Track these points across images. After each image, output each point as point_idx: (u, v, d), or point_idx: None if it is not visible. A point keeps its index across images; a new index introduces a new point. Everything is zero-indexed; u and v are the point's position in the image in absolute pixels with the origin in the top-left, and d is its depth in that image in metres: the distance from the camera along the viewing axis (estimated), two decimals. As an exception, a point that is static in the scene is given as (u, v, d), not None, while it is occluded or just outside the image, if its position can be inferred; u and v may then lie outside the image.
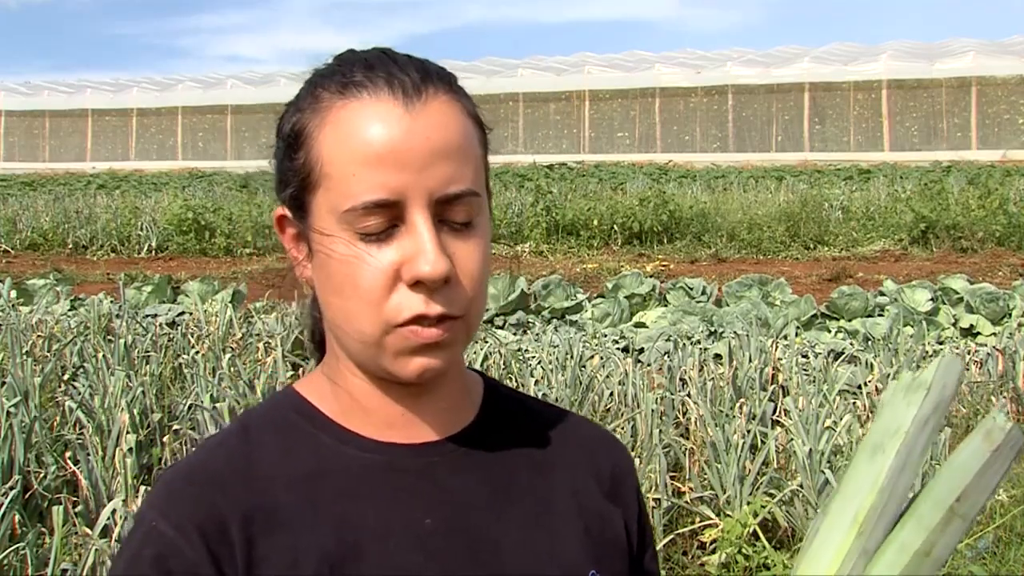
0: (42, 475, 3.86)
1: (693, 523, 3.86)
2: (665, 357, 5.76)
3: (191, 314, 7.01)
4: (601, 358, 5.57)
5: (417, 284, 0.81)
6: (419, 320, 0.81)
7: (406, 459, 0.88)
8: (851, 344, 6.78)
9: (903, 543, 0.68)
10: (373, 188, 0.80)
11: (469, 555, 0.86)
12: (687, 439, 4.44)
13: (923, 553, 0.68)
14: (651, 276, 10.42)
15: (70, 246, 15.45)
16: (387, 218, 0.81)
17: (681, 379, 5.12)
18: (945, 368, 0.72)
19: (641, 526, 0.99)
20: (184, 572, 0.80)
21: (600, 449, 1.00)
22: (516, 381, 4.98)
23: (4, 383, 4.56)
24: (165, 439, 4.13)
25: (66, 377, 5.17)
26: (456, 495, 0.89)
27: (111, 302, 7.69)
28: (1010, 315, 8.18)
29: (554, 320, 8.57)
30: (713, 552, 3.64)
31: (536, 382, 4.89)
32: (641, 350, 6.55)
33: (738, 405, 4.46)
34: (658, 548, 3.48)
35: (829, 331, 7.91)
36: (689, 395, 4.76)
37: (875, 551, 0.69)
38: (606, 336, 7.38)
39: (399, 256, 0.81)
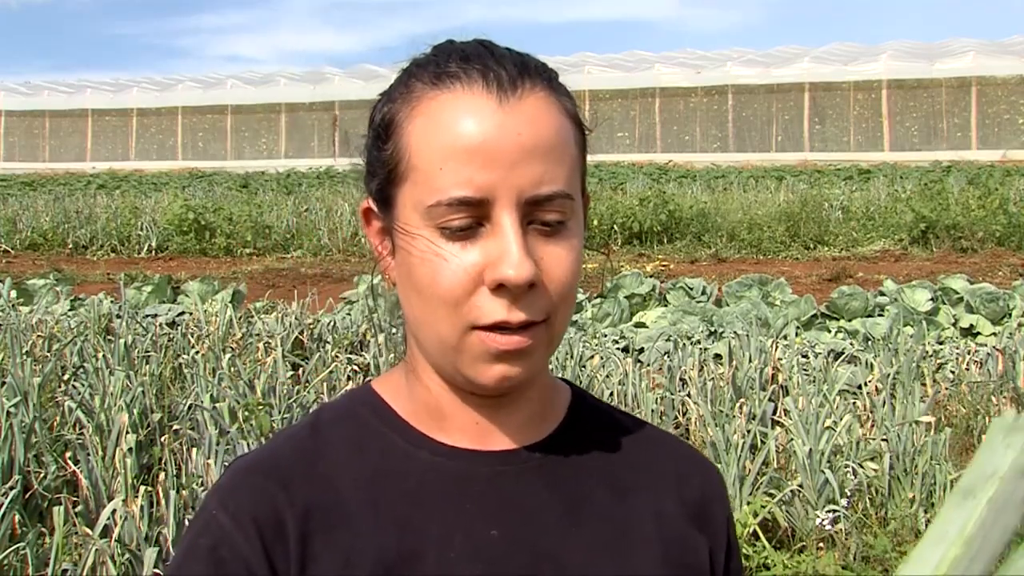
0: (42, 475, 3.86)
1: (693, 523, 3.86)
2: (665, 357, 5.76)
3: (191, 314, 7.02)
4: (601, 358, 5.57)
5: (500, 288, 0.77)
6: (500, 326, 0.78)
7: (477, 466, 0.85)
8: (851, 344, 6.78)
9: None
10: (459, 184, 0.77)
11: (533, 570, 0.83)
12: (687, 439, 4.44)
13: None
14: (651, 276, 10.42)
15: (70, 246, 15.45)
16: (473, 216, 0.77)
17: (681, 379, 5.12)
18: None
19: (728, 558, 0.94)
20: (235, 563, 0.79)
21: (689, 472, 0.94)
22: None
23: (4, 383, 4.56)
24: (165, 439, 4.13)
25: (66, 377, 5.17)
26: (525, 508, 0.85)
27: (111, 302, 7.69)
28: (1010, 315, 8.18)
29: (554, 320, 8.55)
30: (713, 552, 3.63)
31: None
32: (641, 350, 6.55)
33: (738, 405, 4.46)
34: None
35: (829, 331, 7.91)
36: (689, 395, 4.76)
37: None
38: (606, 336, 7.38)
39: (483, 257, 0.77)
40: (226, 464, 3.46)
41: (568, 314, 0.83)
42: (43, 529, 3.49)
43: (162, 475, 3.59)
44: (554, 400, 0.92)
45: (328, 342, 6.17)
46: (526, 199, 0.78)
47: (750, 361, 5.25)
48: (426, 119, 0.80)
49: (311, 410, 0.93)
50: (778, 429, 4.42)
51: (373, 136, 0.85)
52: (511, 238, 0.77)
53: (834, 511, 3.70)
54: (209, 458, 3.63)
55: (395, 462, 0.85)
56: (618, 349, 6.62)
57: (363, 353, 5.91)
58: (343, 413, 0.90)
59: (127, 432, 3.88)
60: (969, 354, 6.13)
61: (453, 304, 0.78)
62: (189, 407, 4.48)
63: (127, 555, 2.98)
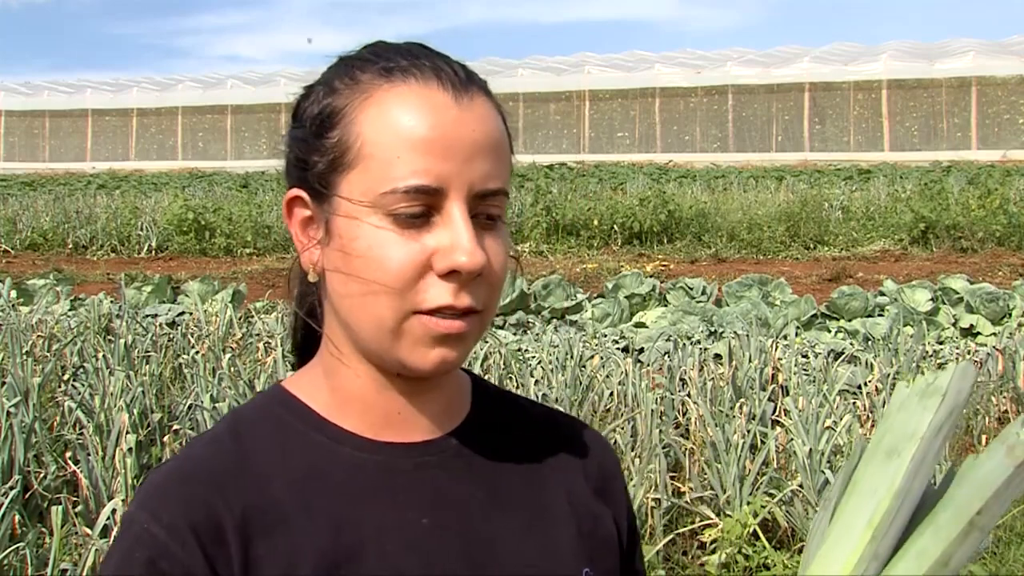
0: (42, 475, 3.86)
1: (693, 523, 3.86)
2: (665, 357, 5.76)
3: (191, 314, 7.01)
4: (601, 358, 5.57)
5: (450, 275, 0.80)
6: (444, 310, 0.81)
7: (401, 459, 0.87)
8: (851, 344, 6.78)
9: (921, 551, 0.68)
10: (417, 173, 0.80)
11: (465, 555, 0.86)
12: (687, 439, 4.44)
13: (941, 563, 0.68)
14: (651, 276, 10.42)
15: (70, 246, 15.45)
16: (424, 205, 0.80)
17: (681, 379, 5.12)
18: (960, 375, 0.72)
19: (630, 524, 1.00)
20: (177, 574, 0.78)
21: (589, 447, 0.99)
22: (516, 381, 4.98)
23: (4, 383, 4.56)
24: (165, 439, 4.13)
25: (66, 377, 5.17)
26: (451, 495, 0.88)
27: (111, 302, 7.69)
28: (1010, 315, 8.18)
29: (554, 320, 8.56)
30: (713, 552, 3.64)
31: (536, 382, 4.89)
32: (641, 350, 6.55)
33: (738, 405, 4.46)
34: (658, 548, 3.49)
35: (829, 331, 7.91)
36: (689, 395, 4.76)
37: (887, 556, 0.69)
38: (606, 336, 7.38)
39: (433, 245, 0.80)
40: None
41: (496, 306, 0.87)
42: (43, 529, 3.49)
43: (162, 475, 3.58)
44: (461, 388, 0.95)
45: (328, 342, 6.16)
46: (475, 192, 0.82)
47: (750, 361, 5.25)
48: (380, 109, 0.82)
49: (224, 415, 0.91)
50: (778, 429, 4.42)
51: (315, 125, 0.86)
52: (463, 227, 0.80)
53: (834, 511, 3.69)
54: (209, 458, 3.63)
55: (320, 461, 0.86)
56: (618, 349, 6.62)
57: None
58: (261, 415, 0.89)
59: (127, 432, 3.88)
60: (969, 354, 6.13)
61: (399, 288, 0.80)
62: (189, 407, 4.48)
63: (127, 555, 2.97)
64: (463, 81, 0.84)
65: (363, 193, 0.81)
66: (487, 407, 0.96)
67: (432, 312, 0.81)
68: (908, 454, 0.69)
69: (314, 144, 0.85)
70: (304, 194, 0.87)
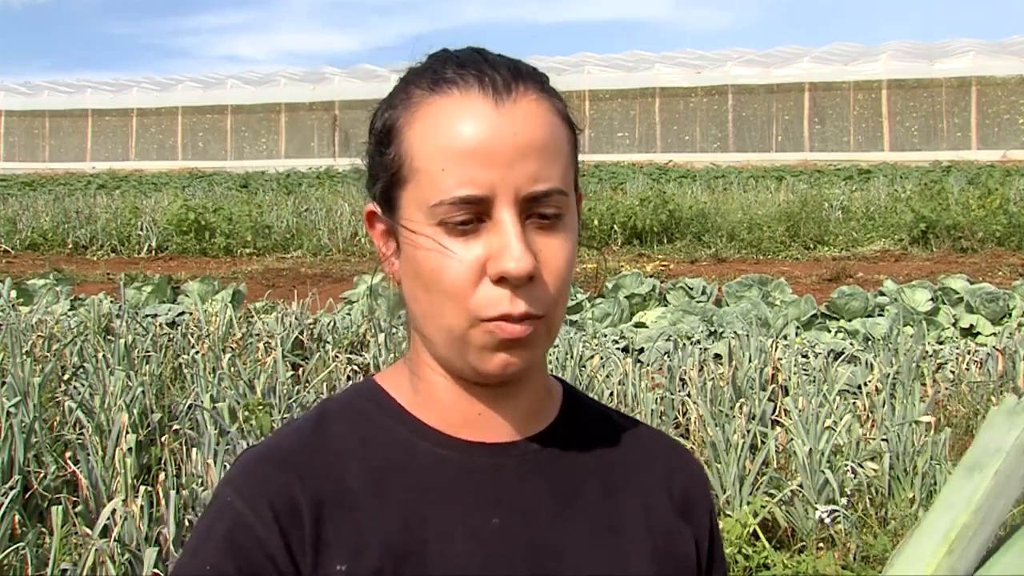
0: (42, 475, 3.86)
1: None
2: (665, 357, 5.76)
3: (191, 314, 7.01)
4: (601, 358, 5.56)
5: (501, 280, 0.81)
6: (504, 318, 0.82)
7: (478, 458, 0.89)
8: (851, 344, 6.78)
9: (1007, 567, 0.66)
10: (462, 183, 0.81)
11: (531, 559, 0.86)
12: (687, 439, 4.44)
13: None
14: (651, 276, 10.42)
15: (70, 246, 15.45)
16: (474, 213, 0.82)
17: (681, 379, 5.12)
18: None
19: (711, 545, 0.99)
20: (252, 547, 0.82)
21: (676, 465, 0.99)
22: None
23: (4, 383, 4.56)
24: (165, 439, 4.13)
25: (66, 377, 5.17)
26: (523, 499, 0.88)
27: (111, 302, 7.69)
28: (1010, 315, 8.18)
29: (554, 320, 8.54)
30: (713, 552, 3.63)
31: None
32: (641, 350, 6.55)
33: (738, 405, 4.46)
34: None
35: (829, 331, 7.90)
36: (689, 395, 4.76)
37: (965, 573, 0.67)
38: (606, 336, 7.38)
39: (485, 251, 0.82)
40: (226, 464, 3.46)
41: (563, 307, 0.87)
42: (43, 529, 3.49)
43: (162, 475, 3.58)
44: (551, 395, 0.96)
45: (328, 342, 6.17)
46: (523, 196, 0.82)
47: (750, 361, 5.25)
48: (425, 123, 0.84)
49: (315, 404, 0.95)
50: (778, 429, 4.42)
51: (375, 142, 0.89)
52: (511, 233, 0.81)
53: (834, 510, 3.70)
54: (209, 458, 3.63)
55: (398, 453, 0.88)
56: (618, 349, 6.62)
57: (363, 353, 5.91)
58: (347, 406, 0.93)
59: (127, 432, 3.88)
60: (969, 354, 6.12)
61: (459, 297, 0.82)
62: (189, 407, 4.48)
63: (127, 555, 2.98)
64: (506, 83, 0.84)
65: (418, 206, 0.84)
66: (575, 416, 0.96)
67: (493, 320, 0.82)
68: (991, 470, 0.67)
69: (378, 160, 0.88)
70: (378, 208, 0.90)
